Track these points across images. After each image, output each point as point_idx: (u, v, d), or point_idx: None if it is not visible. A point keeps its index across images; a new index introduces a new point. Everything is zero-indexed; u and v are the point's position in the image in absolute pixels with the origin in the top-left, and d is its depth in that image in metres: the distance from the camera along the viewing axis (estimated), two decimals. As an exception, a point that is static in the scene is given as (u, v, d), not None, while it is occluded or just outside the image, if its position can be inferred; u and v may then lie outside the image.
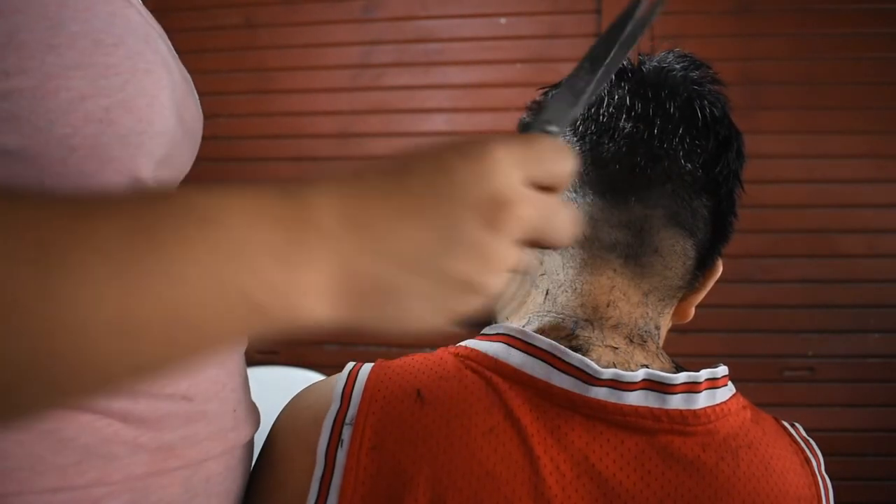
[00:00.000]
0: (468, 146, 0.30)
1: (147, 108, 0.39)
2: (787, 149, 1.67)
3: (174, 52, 0.45)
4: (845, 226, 1.69)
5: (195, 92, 0.48)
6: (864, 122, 1.69)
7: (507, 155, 0.29)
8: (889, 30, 1.69)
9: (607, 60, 0.36)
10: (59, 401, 0.26)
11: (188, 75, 0.47)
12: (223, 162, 1.85)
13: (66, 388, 0.24)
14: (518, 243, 0.30)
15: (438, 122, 1.83)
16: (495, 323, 0.39)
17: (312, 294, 0.27)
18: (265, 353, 1.83)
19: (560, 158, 0.32)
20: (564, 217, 0.32)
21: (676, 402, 0.46)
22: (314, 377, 1.44)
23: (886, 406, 1.66)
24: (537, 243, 0.32)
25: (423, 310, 0.29)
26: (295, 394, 0.53)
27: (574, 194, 0.51)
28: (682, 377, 0.47)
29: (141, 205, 0.25)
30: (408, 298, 0.29)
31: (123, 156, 0.38)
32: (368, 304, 0.28)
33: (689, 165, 0.50)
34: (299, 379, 1.68)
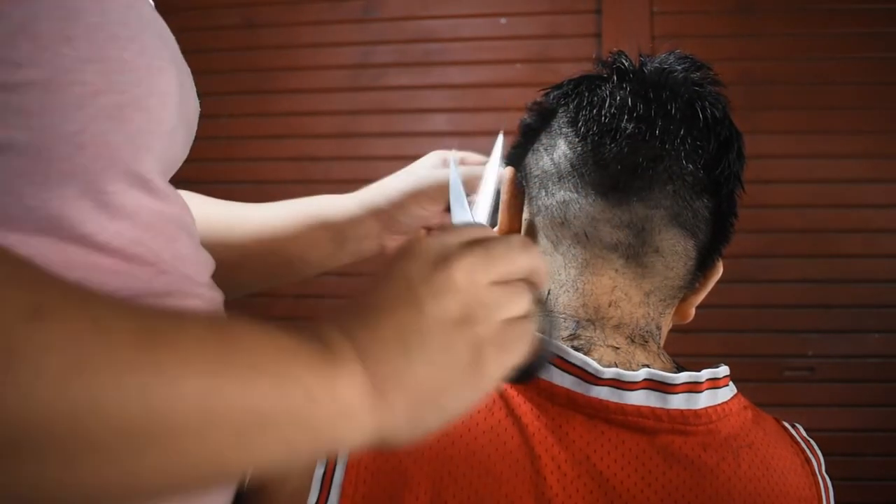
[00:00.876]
0: (430, 270, 0.34)
1: (159, 108, 0.38)
2: (787, 149, 1.66)
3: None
4: (845, 226, 1.69)
5: (194, 85, 0.48)
6: (864, 122, 1.69)
7: (467, 272, 0.34)
8: (889, 30, 1.69)
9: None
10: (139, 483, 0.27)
11: (188, 67, 0.47)
12: (223, 162, 1.85)
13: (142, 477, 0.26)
14: (508, 317, 0.35)
15: (438, 122, 1.83)
16: (546, 363, 0.40)
17: (354, 426, 0.31)
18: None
19: (514, 257, 0.36)
20: (523, 301, 0.36)
21: (678, 401, 0.46)
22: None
23: (886, 406, 1.66)
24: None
25: (464, 397, 0.34)
26: None
27: (575, 194, 0.51)
28: (683, 377, 0.47)
29: (222, 338, 0.29)
30: (448, 400, 0.34)
31: (130, 155, 0.37)
32: (419, 420, 0.33)
33: (691, 166, 0.50)
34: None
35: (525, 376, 0.37)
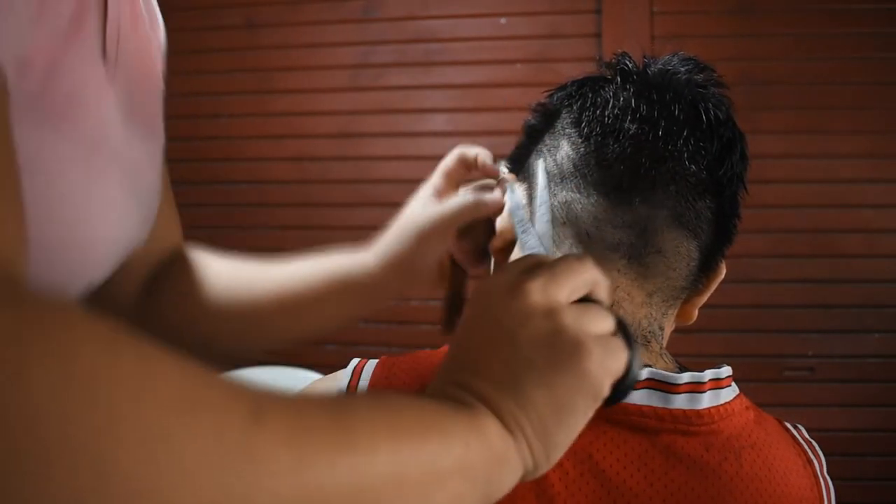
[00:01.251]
0: (508, 302, 0.37)
1: None
2: (787, 149, 1.67)
3: None
4: (845, 226, 1.69)
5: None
6: (864, 122, 1.69)
7: (541, 292, 0.37)
8: (889, 30, 1.69)
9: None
10: None
11: None
12: (223, 162, 1.85)
13: None
14: (595, 332, 0.37)
15: (438, 122, 1.83)
16: (635, 381, 0.40)
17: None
18: (265, 352, 1.83)
19: (576, 272, 0.39)
20: (603, 315, 0.39)
21: (680, 401, 0.46)
22: (314, 377, 1.44)
23: (886, 406, 1.66)
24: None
25: (581, 406, 0.36)
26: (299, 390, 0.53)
27: (578, 194, 0.52)
28: (685, 377, 0.47)
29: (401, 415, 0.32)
30: (568, 415, 0.36)
31: None
32: (551, 443, 0.35)
33: (694, 167, 0.50)
34: (299, 379, 1.68)
35: (617, 396, 0.38)
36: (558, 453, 0.36)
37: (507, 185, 0.57)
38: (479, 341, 0.37)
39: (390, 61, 1.85)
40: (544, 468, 0.36)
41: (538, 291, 0.37)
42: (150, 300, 0.62)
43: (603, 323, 0.38)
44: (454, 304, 0.62)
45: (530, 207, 0.54)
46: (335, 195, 1.85)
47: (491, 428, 0.34)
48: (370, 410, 0.30)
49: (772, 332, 1.68)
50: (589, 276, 0.40)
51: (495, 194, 0.57)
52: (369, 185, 1.83)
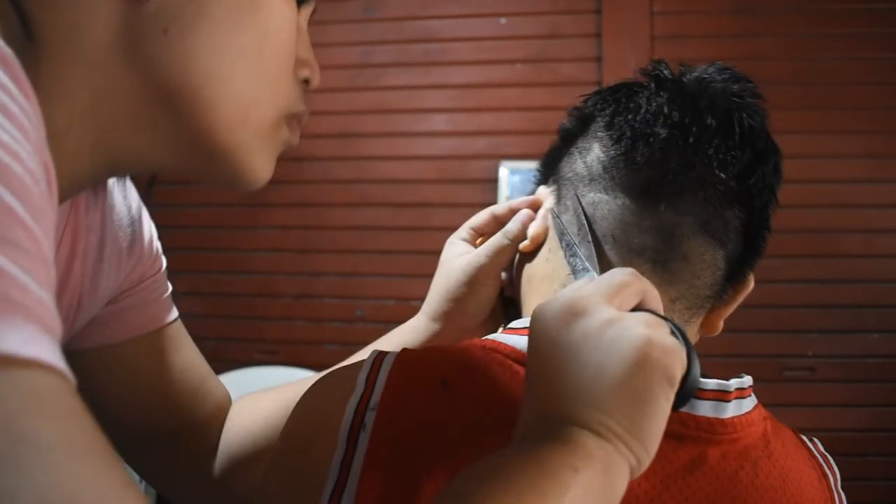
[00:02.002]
0: (566, 321, 0.39)
1: None
2: (788, 149, 1.65)
3: None
4: (845, 226, 1.69)
5: None
6: (864, 122, 1.69)
7: (590, 300, 0.40)
8: (889, 30, 1.69)
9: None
10: None
11: None
12: (223, 162, 1.85)
13: None
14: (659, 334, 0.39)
15: (438, 122, 1.83)
16: (696, 385, 0.41)
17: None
18: (265, 353, 1.83)
19: (623, 281, 0.41)
20: (653, 320, 0.41)
21: (706, 408, 0.46)
22: (314, 377, 1.44)
23: (886, 406, 1.66)
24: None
25: (657, 393, 0.37)
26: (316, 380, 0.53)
27: (605, 195, 0.51)
28: (712, 384, 0.47)
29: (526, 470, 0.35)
30: (649, 406, 0.37)
31: None
32: (644, 436, 0.37)
33: (723, 175, 0.50)
34: (299, 379, 1.67)
35: (683, 397, 0.39)
36: (654, 442, 0.37)
37: (551, 211, 0.56)
38: (549, 370, 0.39)
39: (390, 61, 1.85)
40: (647, 460, 0.37)
41: (592, 308, 0.39)
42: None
43: (657, 324, 0.39)
44: None
45: (571, 229, 0.54)
46: (335, 195, 1.85)
47: (588, 443, 0.36)
48: (520, 479, 0.33)
49: (772, 332, 1.68)
50: (637, 287, 0.42)
51: (537, 223, 0.57)
52: (369, 185, 1.83)
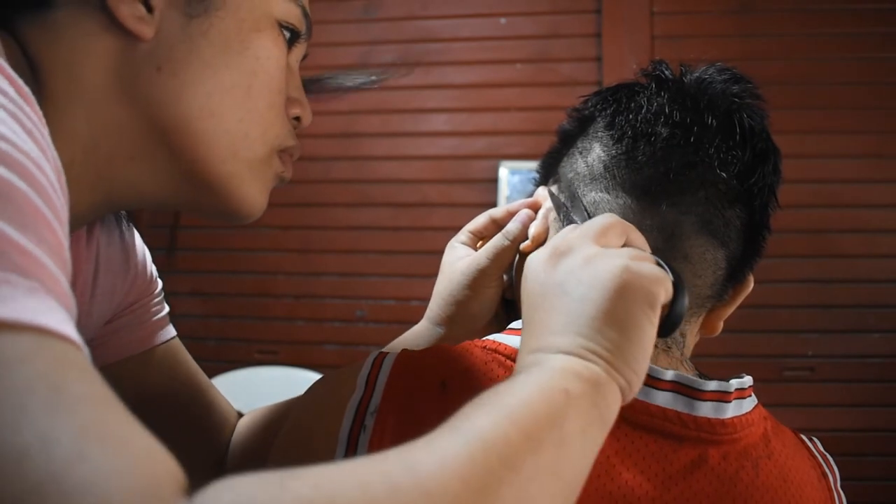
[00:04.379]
0: (552, 265, 0.41)
1: None
2: (787, 149, 1.65)
3: None
4: (845, 226, 1.69)
5: None
6: (863, 122, 1.69)
7: (571, 241, 0.42)
8: (889, 30, 1.69)
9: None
10: None
11: None
12: (223, 162, 1.85)
13: None
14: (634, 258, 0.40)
15: (438, 122, 1.83)
16: (684, 309, 0.41)
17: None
18: (265, 353, 1.83)
19: (603, 223, 0.43)
20: (631, 252, 0.42)
21: (706, 409, 0.46)
22: (314, 377, 1.44)
23: (886, 406, 1.66)
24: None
25: (639, 316, 0.38)
26: (311, 384, 0.53)
27: (607, 195, 0.52)
28: (712, 385, 0.47)
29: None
30: (632, 323, 0.38)
31: None
32: (631, 357, 0.38)
33: (724, 174, 0.50)
34: (299, 378, 1.68)
35: (670, 323, 0.40)
36: (641, 365, 0.38)
37: (549, 191, 0.56)
38: (538, 310, 0.40)
39: (390, 61, 1.85)
40: (637, 382, 0.38)
41: (576, 247, 0.41)
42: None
43: (639, 256, 0.40)
44: None
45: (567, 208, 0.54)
46: (335, 195, 1.85)
47: (575, 366, 0.37)
48: (495, 427, 0.33)
49: (772, 332, 1.68)
50: (620, 228, 0.43)
51: (537, 223, 0.57)
52: (370, 185, 1.83)
